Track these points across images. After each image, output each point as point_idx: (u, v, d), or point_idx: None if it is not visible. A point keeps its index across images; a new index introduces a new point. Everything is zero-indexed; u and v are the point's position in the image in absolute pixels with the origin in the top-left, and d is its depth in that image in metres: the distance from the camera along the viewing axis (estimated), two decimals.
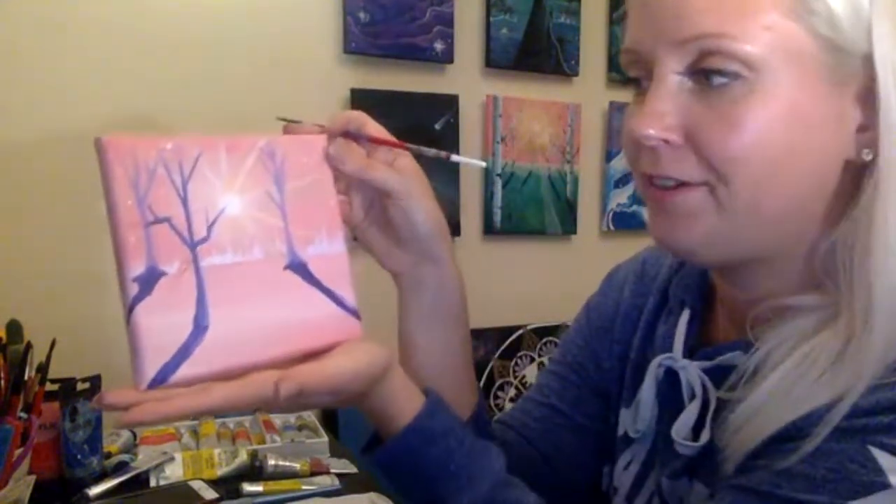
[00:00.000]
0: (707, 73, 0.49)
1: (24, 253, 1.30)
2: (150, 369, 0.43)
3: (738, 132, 0.48)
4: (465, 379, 0.67)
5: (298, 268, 0.51)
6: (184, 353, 0.45)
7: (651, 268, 0.73)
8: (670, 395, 0.62)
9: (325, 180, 0.54)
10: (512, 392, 1.83)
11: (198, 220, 0.47)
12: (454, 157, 0.57)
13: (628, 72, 0.55)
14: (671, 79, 0.50)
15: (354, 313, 0.53)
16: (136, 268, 0.44)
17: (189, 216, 0.46)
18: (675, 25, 0.49)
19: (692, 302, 0.64)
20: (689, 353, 0.62)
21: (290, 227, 0.51)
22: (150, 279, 0.44)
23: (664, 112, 0.50)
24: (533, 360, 1.86)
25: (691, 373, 0.59)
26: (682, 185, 0.51)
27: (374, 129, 0.58)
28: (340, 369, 0.49)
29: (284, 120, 0.58)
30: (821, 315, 0.51)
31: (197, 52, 1.46)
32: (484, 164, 0.61)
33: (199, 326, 0.45)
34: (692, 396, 0.58)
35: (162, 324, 0.44)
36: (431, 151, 0.57)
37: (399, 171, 0.58)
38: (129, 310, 0.43)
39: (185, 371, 0.44)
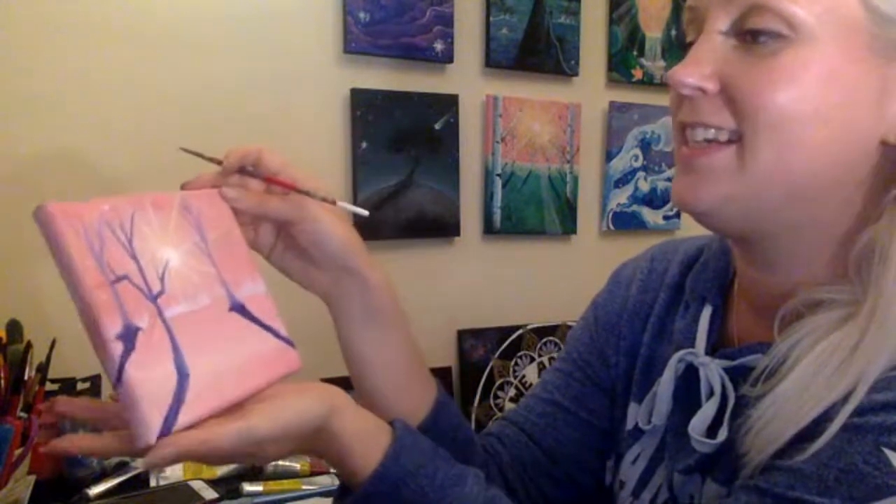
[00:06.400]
0: (752, 32, 0.50)
1: (24, 253, 1.30)
2: (155, 423, 0.44)
3: (772, 85, 0.49)
4: (416, 375, 0.67)
5: (239, 309, 0.54)
6: (178, 400, 0.46)
7: (659, 264, 0.73)
8: (685, 390, 0.61)
9: (234, 229, 0.57)
10: (512, 392, 1.83)
11: (150, 275, 0.48)
12: (340, 204, 0.59)
13: (687, 34, 0.56)
14: (717, 34, 0.52)
15: (290, 343, 0.56)
16: (114, 326, 0.45)
17: (143, 271, 0.48)
18: None
19: (713, 297, 0.64)
20: (710, 350, 0.61)
21: (221, 274, 0.53)
22: (128, 335, 0.45)
23: (704, 61, 0.52)
24: (533, 360, 1.86)
25: (712, 370, 0.58)
26: (711, 145, 0.52)
27: (271, 160, 0.59)
28: (246, 430, 0.45)
29: (187, 151, 0.60)
30: (846, 310, 0.51)
31: (196, 53, 1.46)
32: (367, 213, 0.61)
33: (182, 374, 0.47)
34: (710, 394, 0.58)
35: (152, 376, 0.45)
36: (318, 195, 0.59)
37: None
38: (120, 369, 0.44)
39: (184, 418, 0.46)
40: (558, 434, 0.73)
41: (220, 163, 0.59)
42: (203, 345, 0.49)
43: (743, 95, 0.50)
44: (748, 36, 0.50)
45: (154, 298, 0.48)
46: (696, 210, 0.54)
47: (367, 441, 0.53)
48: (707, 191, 0.53)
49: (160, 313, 0.47)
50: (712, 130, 0.52)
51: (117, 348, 0.44)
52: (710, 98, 0.52)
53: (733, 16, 0.51)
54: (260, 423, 0.46)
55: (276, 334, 0.55)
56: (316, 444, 0.51)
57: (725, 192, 0.52)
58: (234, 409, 0.48)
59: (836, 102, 0.49)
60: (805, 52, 0.48)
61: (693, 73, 0.52)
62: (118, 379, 0.44)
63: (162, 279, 0.49)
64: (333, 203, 0.59)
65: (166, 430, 0.44)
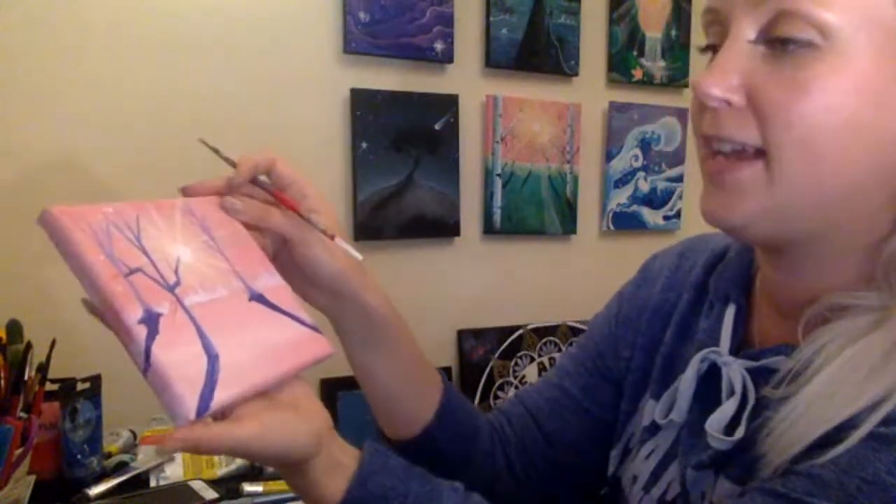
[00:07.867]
0: (781, 40, 0.48)
1: (24, 253, 1.30)
2: (191, 399, 0.43)
3: (803, 97, 0.47)
4: (423, 378, 0.68)
5: (259, 299, 0.54)
6: (211, 379, 0.45)
7: (686, 262, 0.72)
8: (705, 389, 0.61)
9: (241, 229, 0.57)
10: (512, 392, 1.83)
11: (163, 268, 0.49)
12: (338, 240, 0.58)
13: (707, 36, 0.54)
14: (743, 41, 0.50)
15: (317, 329, 0.56)
16: (135, 312, 0.44)
17: (156, 265, 0.48)
18: None
19: (737, 297, 0.63)
20: (734, 350, 0.61)
21: (235, 267, 0.54)
22: (151, 320, 0.45)
23: (731, 71, 0.50)
24: (533, 359, 1.86)
25: (734, 370, 0.58)
26: (737, 157, 0.51)
27: (283, 170, 0.59)
28: (237, 442, 0.46)
29: (205, 144, 0.60)
30: (874, 316, 0.50)
31: (197, 54, 1.46)
32: (360, 256, 0.60)
33: (211, 355, 0.46)
34: (731, 393, 0.58)
35: (180, 357, 0.45)
36: (319, 226, 0.58)
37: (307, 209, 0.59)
38: (147, 352, 0.43)
39: (220, 395, 0.45)
40: (561, 420, 0.74)
41: (234, 164, 0.58)
42: (228, 330, 0.49)
43: (772, 109, 0.49)
44: (777, 44, 0.48)
45: (171, 289, 0.48)
46: (727, 226, 0.53)
47: (335, 470, 0.53)
48: (739, 208, 0.52)
49: (179, 301, 0.47)
50: (738, 144, 0.51)
51: (141, 332, 0.44)
52: (736, 111, 0.50)
53: (761, 22, 0.49)
54: (250, 441, 0.46)
55: (302, 322, 0.55)
56: (286, 472, 0.53)
57: (756, 208, 0.51)
58: (264, 394, 0.49)
59: (866, 113, 0.48)
60: (836, 62, 0.47)
61: (719, 84, 0.50)
62: (147, 361, 0.43)
63: (176, 272, 0.49)
64: (332, 238, 0.58)
65: (204, 407, 0.44)
